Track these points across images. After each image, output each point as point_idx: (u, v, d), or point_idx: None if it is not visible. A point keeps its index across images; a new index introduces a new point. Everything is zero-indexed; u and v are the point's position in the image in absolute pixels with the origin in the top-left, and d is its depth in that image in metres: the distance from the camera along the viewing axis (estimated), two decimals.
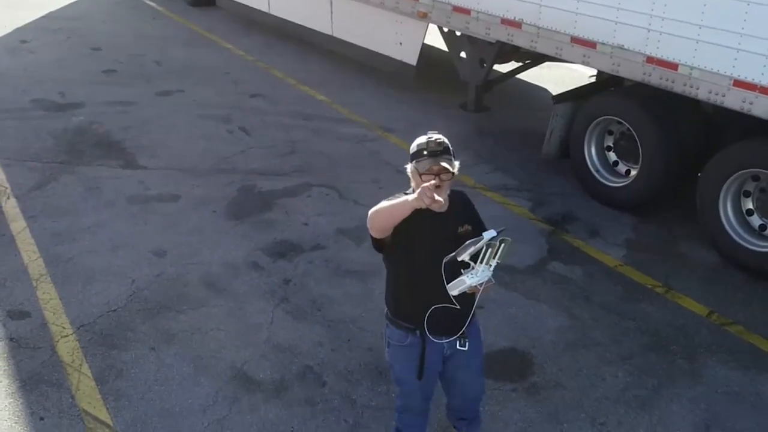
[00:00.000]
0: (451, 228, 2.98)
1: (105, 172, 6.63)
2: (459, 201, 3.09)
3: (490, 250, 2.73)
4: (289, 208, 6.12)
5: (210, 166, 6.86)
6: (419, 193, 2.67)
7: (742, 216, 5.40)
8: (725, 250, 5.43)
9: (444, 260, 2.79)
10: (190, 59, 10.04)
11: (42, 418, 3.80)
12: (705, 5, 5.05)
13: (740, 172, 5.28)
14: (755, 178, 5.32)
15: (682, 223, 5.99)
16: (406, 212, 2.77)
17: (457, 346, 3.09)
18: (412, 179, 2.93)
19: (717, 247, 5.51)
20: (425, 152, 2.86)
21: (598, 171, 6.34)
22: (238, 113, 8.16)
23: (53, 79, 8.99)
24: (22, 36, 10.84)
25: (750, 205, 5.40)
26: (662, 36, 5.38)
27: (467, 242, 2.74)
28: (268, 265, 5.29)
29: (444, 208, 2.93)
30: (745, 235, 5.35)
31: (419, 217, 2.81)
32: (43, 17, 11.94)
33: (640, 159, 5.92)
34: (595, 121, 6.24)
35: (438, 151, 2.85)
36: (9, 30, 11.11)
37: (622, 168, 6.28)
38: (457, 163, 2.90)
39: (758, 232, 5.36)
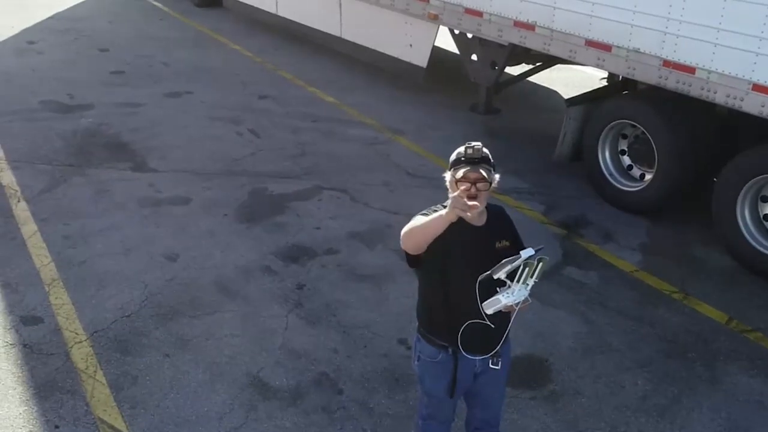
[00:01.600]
0: (489, 243, 2.91)
1: (115, 175, 6.60)
2: (498, 215, 3.02)
3: (527, 269, 2.66)
4: (301, 211, 6.08)
5: (220, 168, 6.82)
6: (452, 203, 2.62)
7: (760, 221, 5.36)
8: (742, 256, 5.38)
9: (479, 278, 2.73)
10: (197, 60, 10.02)
11: (57, 426, 3.76)
12: (724, 8, 5.01)
13: (758, 177, 5.22)
14: None
15: (696, 228, 5.94)
16: (441, 227, 2.69)
17: (490, 365, 3.02)
18: (449, 189, 2.84)
19: (734, 253, 5.46)
20: (463, 159, 2.80)
21: (612, 175, 6.30)
22: (248, 115, 8.12)
23: (61, 80, 8.96)
24: (30, 37, 10.82)
25: (767, 211, 5.35)
26: (679, 39, 5.33)
27: (504, 260, 2.68)
28: (281, 269, 5.25)
29: (482, 222, 2.88)
30: (763, 241, 5.30)
31: (456, 230, 2.74)
32: (50, 18, 11.92)
33: (656, 163, 5.87)
34: (609, 125, 6.19)
35: (476, 159, 2.79)
36: (17, 31, 11.09)
37: (636, 172, 6.23)
38: (497, 176, 2.82)
39: None
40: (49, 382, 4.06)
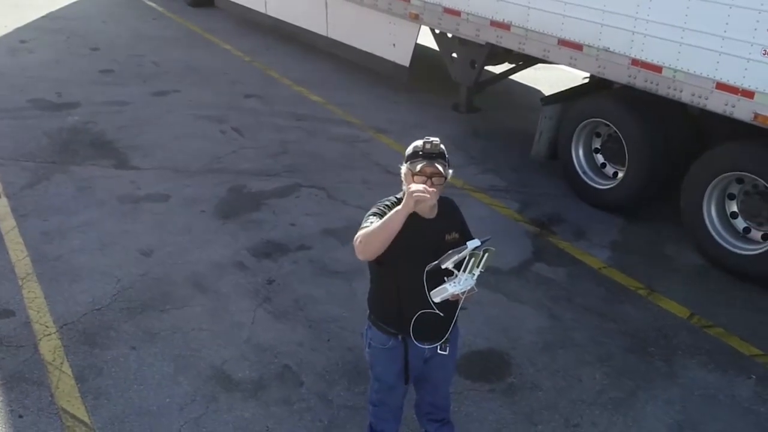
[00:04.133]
0: (438, 235, 2.99)
1: (97, 172, 6.69)
2: (448, 209, 3.10)
3: (473, 259, 2.76)
4: (278, 208, 6.17)
5: (202, 166, 6.91)
6: (407, 196, 2.72)
7: (727, 219, 5.41)
8: (709, 253, 5.44)
9: (426, 268, 2.82)
10: (188, 59, 10.11)
11: (21, 416, 3.85)
12: (688, 8, 5.07)
13: (724, 174, 5.28)
14: (739, 180, 5.33)
15: (669, 225, 6.00)
16: (401, 223, 2.77)
17: (438, 350, 3.09)
18: (404, 181, 2.94)
19: (701, 250, 5.52)
20: (420, 153, 2.88)
21: (585, 173, 6.36)
22: (233, 114, 8.21)
23: (51, 79, 9.07)
24: (22, 36, 10.93)
25: (734, 208, 5.40)
26: (646, 38, 5.39)
27: (451, 251, 2.78)
28: (253, 264, 5.33)
29: (432, 215, 2.96)
30: (730, 238, 5.35)
31: (407, 223, 2.82)
32: (43, 17, 12.03)
33: (627, 161, 5.93)
34: (582, 123, 6.26)
35: (433, 154, 2.87)
36: (9, 30, 11.20)
37: (609, 170, 6.29)
38: (450, 171, 2.92)
39: (742, 235, 5.36)
40: (16, 373, 4.16)
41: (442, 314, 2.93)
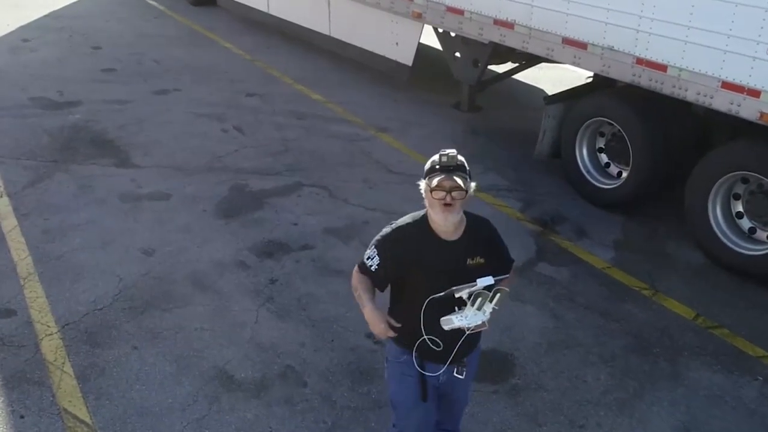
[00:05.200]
0: (459, 258, 2.81)
1: (98, 170, 6.67)
2: (478, 229, 2.90)
3: (479, 298, 2.65)
4: (279, 207, 6.14)
5: (203, 164, 6.88)
6: (372, 323, 2.81)
7: (732, 219, 5.38)
8: (714, 253, 5.41)
9: (428, 298, 2.71)
10: (189, 58, 10.08)
11: (22, 416, 3.83)
12: (693, 6, 5.04)
13: (729, 174, 5.25)
14: (745, 180, 5.30)
15: (671, 225, 5.97)
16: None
17: (455, 373, 2.96)
18: (424, 198, 2.80)
19: (706, 250, 5.49)
20: (438, 167, 2.73)
21: (589, 172, 6.33)
22: (234, 112, 8.18)
23: (53, 77, 9.04)
24: (25, 34, 10.90)
25: (740, 208, 5.37)
26: (651, 37, 5.36)
27: (461, 286, 2.67)
28: (255, 264, 5.30)
29: (457, 235, 2.82)
30: (735, 238, 5.32)
31: (427, 244, 2.75)
32: (46, 16, 12.00)
33: (631, 161, 5.90)
34: (586, 123, 6.22)
35: (451, 167, 2.72)
36: (12, 28, 11.17)
37: (613, 170, 6.26)
38: (473, 184, 2.77)
39: (748, 235, 5.33)
40: (18, 373, 4.13)
41: (441, 344, 2.80)
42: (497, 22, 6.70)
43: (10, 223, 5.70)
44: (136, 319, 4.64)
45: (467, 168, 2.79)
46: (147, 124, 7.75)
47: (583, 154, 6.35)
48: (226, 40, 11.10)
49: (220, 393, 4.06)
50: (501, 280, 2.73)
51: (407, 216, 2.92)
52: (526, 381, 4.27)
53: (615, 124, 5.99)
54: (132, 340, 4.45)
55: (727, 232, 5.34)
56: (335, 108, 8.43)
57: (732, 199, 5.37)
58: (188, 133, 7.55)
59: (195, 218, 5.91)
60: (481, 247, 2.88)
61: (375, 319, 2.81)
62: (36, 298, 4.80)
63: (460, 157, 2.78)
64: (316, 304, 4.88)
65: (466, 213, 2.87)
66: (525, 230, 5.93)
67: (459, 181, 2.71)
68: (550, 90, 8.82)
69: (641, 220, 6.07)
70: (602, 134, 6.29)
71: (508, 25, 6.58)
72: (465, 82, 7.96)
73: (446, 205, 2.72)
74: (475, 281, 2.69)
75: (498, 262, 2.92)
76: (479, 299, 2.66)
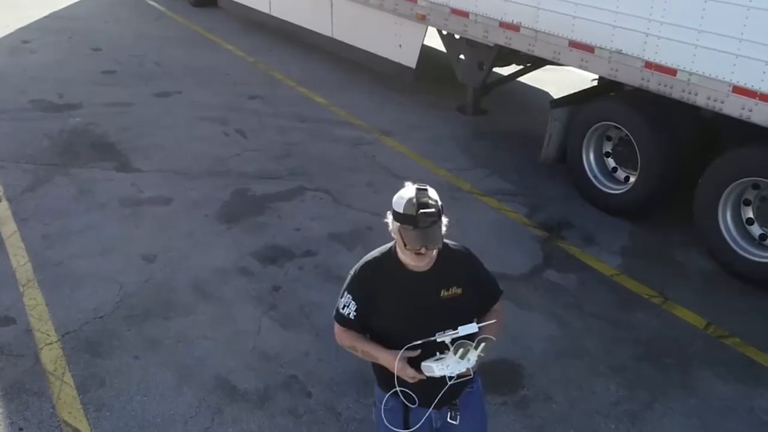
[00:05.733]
0: (432, 291, 2.58)
1: (99, 174, 6.59)
2: (452, 258, 2.64)
3: (461, 348, 2.45)
4: (282, 212, 6.06)
5: (205, 168, 6.81)
6: (399, 370, 2.48)
7: (742, 225, 5.29)
8: (724, 260, 5.32)
9: (405, 345, 2.48)
10: (190, 60, 10.00)
11: (21, 429, 3.75)
12: (704, 10, 4.95)
13: (740, 180, 5.17)
14: (755, 186, 5.21)
15: (679, 231, 5.88)
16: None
17: (448, 419, 2.72)
18: (395, 236, 2.55)
19: (715, 257, 5.40)
20: (413, 218, 2.40)
21: (596, 177, 6.24)
22: (236, 115, 8.10)
23: (53, 79, 8.97)
24: (24, 36, 10.83)
25: (750, 214, 5.29)
26: (660, 41, 5.28)
27: (442, 333, 2.45)
28: (258, 270, 5.22)
29: (427, 266, 2.57)
30: (745, 245, 5.24)
31: (396, 274, 2.54)
32: (46, 17, 11.93)
33: (639, 166, 5.82)
34: (593, 127, 6.14)
35: (429, 221, 2.40)
36: (12, 30, 11.10)
37: (620, 174, 6.17)
38: (445, 221, 2.47)
39: (758, 242, 5.25)
40: (17, 383, 4.06)
41: (416, 400, 2.63)
42: (503, 24, 6.62)
43: (10, 228, 5.62)
44: (137, 327, 4.56)
45: (442, 209, 2.46)
46: (148, 127, 7.67)
47: (589, 158, 6.26)
48: (227, 41, 11.02)
49: (222, 404, 3.99)
50: (486, 326, 2.51)
51: (374, 251, 2.70)
52: (534, 392, 4.18)
53: (623, 128, 5.90)
54: (133, 349, 4.37)
55: (738, 238, 5.25)
56: (338, 111, 8.35)
57: (742, 205, 5.28)
58: (190, 137, 7.48)
59: (197, 223, 5.83)
60: (458, 277, 2.62)
61: (398, 365, 2.50)
62: (35, 305, 4.72)
63: (437, 204, 2.44)
64: (319, 312, 4.79)
65: None
66: (531, 236, 5.84)
67: (437, 235, 2.43)
68: (554, 92, 8.75)
69: (649, 226, 5.98)
70: (609, 138, 6.21)
71: (514, 27, 6.50)
72: (469, 85, 7.88)
73: (419, 254, 2.49)
74: (455, 321, 2.47)
75: (479, 293, 2.68)
76: (461, 348, 2.44)
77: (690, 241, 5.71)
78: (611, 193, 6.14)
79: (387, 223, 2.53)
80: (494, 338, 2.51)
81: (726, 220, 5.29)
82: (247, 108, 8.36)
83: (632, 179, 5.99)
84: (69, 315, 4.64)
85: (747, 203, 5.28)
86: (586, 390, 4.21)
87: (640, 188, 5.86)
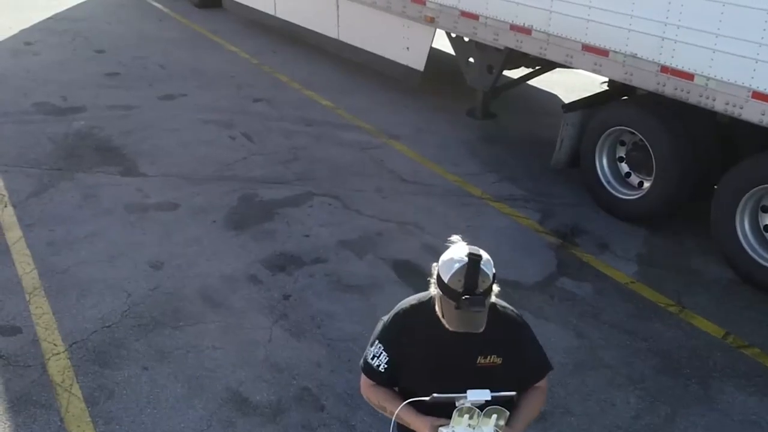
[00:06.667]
0: (468, 356, 2.35)
1: (104, 179, 6.50)
2: (499, 322, 2.37)
3: (470, 414, 2.23)
4: (291, 218, 5.97)
5: (211, 173, 6.71)
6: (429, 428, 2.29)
7: (760, 232, 5.21)
8: (742, 268, 5.23)
9: (429, 399, 2.28)
10: (194, 62, 9.90)
11: None
12: (722, 14, 4.86)
13: (759, 186, 5.08)
14: None
15: (695, 237, 5.80)
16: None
17: None
18: (433, 292, 2.34)
19: (733, 265, 5.31)
20: (455, 304, 2.18)
21: (609, 182, 6.15)
22: (241, 118, 8.01)
23: (56, 81, 8.87)
24: (27, 38, 10.73)
25: None
26: (677, 45, 5.19)
27: (454, 395, 2.26)
28: (268, 278, 5.13)
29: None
30: (763, 252, 5.15)
31: (433, 329, 2.31)
32: (48, 18, 11.83)
33: (654, 171, 5.73)
34: (606, 132, 6.05)
35: (478, 296, 2.17)
36: (15, 31, 11.00)
37: (634, 180, 6.08)
38: (496, 290, 2.27)
39: None
40: (24, 395, 3.97)
41: None
42: (514, 27, 6.53)
43: (15, 234, 5.53)
44: (146, 337, 4.47)
45: (494, 274, 2.23)
46: (153, 130, 7.58)
47: (602, 163, 6.17)
48: (231, 43, 10.93)
49: (234, 417, 3.89)
50: (505, 396, 2.26)
51: (411, 298, 2.49)
52: (553, 405, 4.09)
53: (637, 133, 5.81)
54: (142, 359, 4.28)
55: (756, 246, 5.16)
56: (345, 114, 8.26)
57: (761, 211, 5.20)
58: (195, 141, 7.38)
59: (204, 230, 5.74)
60: (500, 345, 2.38)
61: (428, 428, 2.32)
62: (42, 314, 4.63)
63: (491, 274, 2.20)
64: (331, 322, 4.70)
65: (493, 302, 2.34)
66: (544, 243, 5.75)
67: (479, 321, 2.21)
68: (563, 95, 8.68)
69: (665, 233, 5.89)
70: (623, 143, 6.12)
71: (525, 30, 6.41)
72: (479, 89, 7.79)
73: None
74: (485, 387, 2.26)
75: (523, 367, 2.44)
76: (469, 415, 2.23)
77: (706, 248, 5.62)
78: (625, 199, 6.05)
79: (429, 281, 2.31)
80: (507, 412, 2.28)
81: (744, 227, 5.21)
82: (253, 111, 8.27)
83: (646, 185, 5.90)
84: (76, 324, 4.55)
85: (765, 210, 5.19)
86: (605, 403, 4.12)
87: (655, 194, 5.77)
